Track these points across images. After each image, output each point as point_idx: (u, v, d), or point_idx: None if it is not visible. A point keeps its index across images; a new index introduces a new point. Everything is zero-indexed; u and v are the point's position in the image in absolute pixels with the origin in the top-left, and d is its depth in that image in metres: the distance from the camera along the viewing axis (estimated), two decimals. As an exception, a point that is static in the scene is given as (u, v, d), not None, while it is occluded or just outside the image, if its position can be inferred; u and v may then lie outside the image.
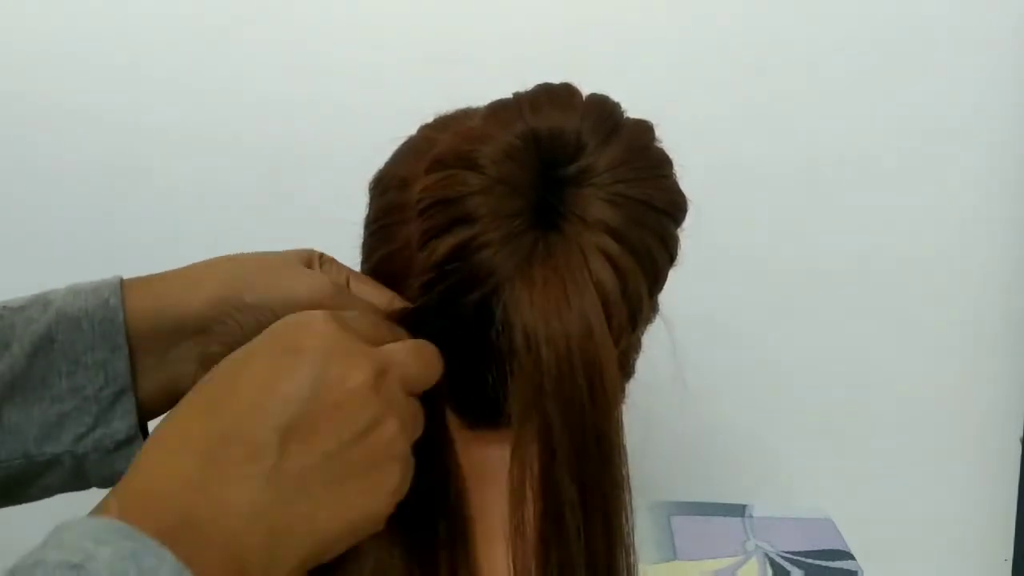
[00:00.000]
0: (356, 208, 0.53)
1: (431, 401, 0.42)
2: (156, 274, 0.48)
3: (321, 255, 0.50)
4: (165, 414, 0.37)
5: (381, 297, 0.47)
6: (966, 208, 0.96)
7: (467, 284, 0.42)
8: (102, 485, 0.45)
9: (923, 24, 0.92)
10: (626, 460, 0.45)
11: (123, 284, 0.46)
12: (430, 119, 0.52)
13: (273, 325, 0.38)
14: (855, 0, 0.92)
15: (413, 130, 0.52)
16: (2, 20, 0.94)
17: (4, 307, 0.45)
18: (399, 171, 0.50)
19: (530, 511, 0.42)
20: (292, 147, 0.94)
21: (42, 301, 0.45)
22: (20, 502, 0.45)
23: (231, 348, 0.44)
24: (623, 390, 0.50)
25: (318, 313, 0.38)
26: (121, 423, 0.44)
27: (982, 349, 0.99)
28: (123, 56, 0.94)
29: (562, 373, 0.40)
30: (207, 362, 0.44)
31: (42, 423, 0.43)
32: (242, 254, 0.49)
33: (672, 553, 0.79)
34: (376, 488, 0.37)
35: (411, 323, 0.44)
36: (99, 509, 0.33)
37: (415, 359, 0.40)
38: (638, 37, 0.92)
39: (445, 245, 0.42)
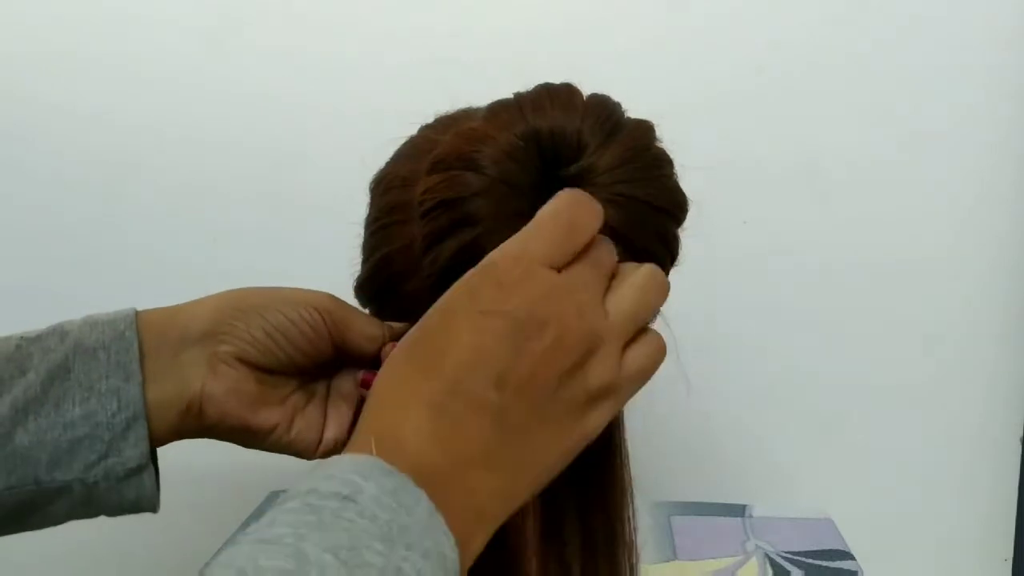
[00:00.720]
0: (356, 208, 0.53)
1: None
2: (172, 305, 0.48)
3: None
4: (380, 369, 0.39)
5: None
6: (966, 208, 0.96)
7: None
8: (111, 514, 0.46)
9: (923, 24, 0.92)
10: (627, 462, 0.45)
11: (137, 316, 0.46)
12: (431, 119, 0.52)
13: (459, 282, 0.39)
14: (855, 0, 0.92)
15: (414, 130, 0.52)
16: (2, 20, 0.94)
17: (22, 338, 0.45)
18: (400, 171, 0.50)
19: (530, 516, 0.42)
20: (292, 147, 0.94)
21: (59, 332, 0.45)
22: (28, 529, 0.45)
23: (238, 347, 0.45)
24: None
25: (500, 266, 0.38)
26: (133, 451, 0.44)
27: (982, 349, 0.99)
28: (123, 56, 0.94)
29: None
30: (213, 361, 0.45)
31: (54, 449, 0.43)
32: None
33: (672, 553, 0.79)
34: (598, 419, 0.38)
35: None
36: (352, 447, 0.35)
37: (601, 268, 0.40)
38: (639, 37, 0.92)
39: (448, 248, 0.42)
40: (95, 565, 1.01)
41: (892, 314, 0.98)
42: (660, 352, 0.41)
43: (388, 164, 0.52)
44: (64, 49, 0.94)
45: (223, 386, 0.46)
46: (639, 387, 0.40)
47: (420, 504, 0.32)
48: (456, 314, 0.38)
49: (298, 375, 0.48)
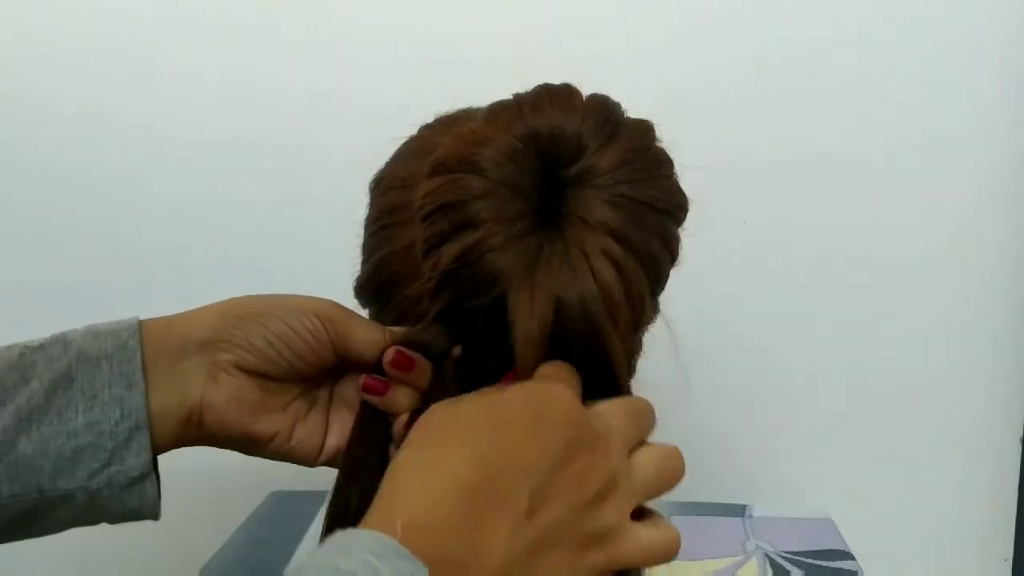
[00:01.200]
0: (356, 208, 0.53)
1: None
2: (173, 314, 0.48)
3: None
4: (404, 442, 0.38)
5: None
6: (966, 207, 0.96)
7: (472, 289, 0.42)
8: (113, 521, 0.46)
9: (923, 24, 0.92)
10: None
11: (140, 325, 0.46)
12: (431, 119, 0.52)
13: (524, 387, 0.40)
14: (855, 0, 0.92)
15: (413, 130, 0.52)
16: (2, 21, 0.94)
17: (25, 347, 0.45)
18: (400, 172, 0.50)
19: None
20: (292, 147, 0.94)
21: (62, 341, 0.45)
22: (31, 536, 0.45)
23: (238, 355, 0.45)
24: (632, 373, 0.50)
25: (564, 388, 0.40)
26: (135, 460, 0.44)
27: (982, 349, 0.99)
28: (123, 57, 0.94)
29: (571, 350, 0.41)
30: (213, 370, 0.45)
31: (57, 458, 0.43)
32: None
33: (672, 553, 0.79)
34: (594, 560, 0.38)
35: (426, 337, 0.44)
36: (369, 522, 0.34)
37: (638, 430, 0.42)
38: (639, 37, 0.93)
39: (449, 252, 0.42)
40: (95, 565, 1.01)
41: (892, 314, 0.98)
42: (672, 546, 0.41)
43: (388, 164, 0.52)
44: (64, 49, 0.94)
45: (223, 394, 0.45)
46: (641, 563, 0.41)
47: None
48: (511, 414, 0.38)
49: (300, 382, 0.48)
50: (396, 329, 0.47)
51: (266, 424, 0.47)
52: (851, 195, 0.95)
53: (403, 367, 0.44)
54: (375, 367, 0.46)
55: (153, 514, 0.46)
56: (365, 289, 0.51)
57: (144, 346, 0.45)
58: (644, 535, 0.40)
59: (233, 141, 0.94)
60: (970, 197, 0.96)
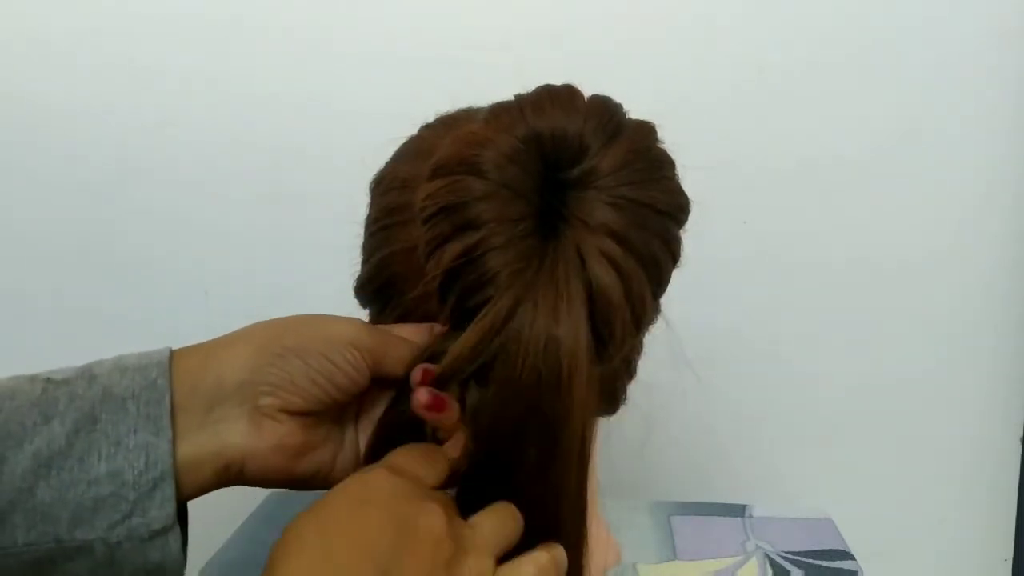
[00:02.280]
0: (356, 208, 0.53)
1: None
2: (201, 344, 0.45)
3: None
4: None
5: (419, 334, 0.46)
6: (966, 208, 0.96)
7: (473, 290, 0.42)
8: (133, 575, 0.43)
9: (923, 24, 0.92)
10: (589, 474, 0.44)
11: (171, 359, 0.43)
12: (431, 119, 0.52)
13: (343, 483, 0.39)
14: (855, 0, 0.92)
15: (414, 130, 0.52)
16: (2, 21, 0.94)
17: (48, 380, 0.42)
18: (400, 172, 0.50)
19: None
20: (292, 147, 0.94)
21: (87, 376, 0.43)
22: None
23: (283, 398, 0.43)
24: (624, 393, 0.50)
25: (378, 468, 0.40)
26: (159, 512, 0.41)
27: (982, 349, 0.99)
28: (123, 57, 0.94)
29: (530, 380, 0.40)
30: (256, 417, 0.43)
31: (75, 507, 0.40)
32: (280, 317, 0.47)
33: (672, 553, 0.79)
34: None
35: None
36: None
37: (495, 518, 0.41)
38: (640, 38, 0.92)
39: (450, 254, 0.42)
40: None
41: (892, 314, 0.98)
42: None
43: (388, 164, 0.52)
44: (64, 49, 0.94)
45: (268, 443, 0.44)
46: None
47: None
48: (339, 506, 0.38)
49: (333, 409, 0.46)
50: (418, 336, 0.46)
51: (310, 463, 0.45)
52: (851, 196, 0.95)
53: (437, 409, 0.42)
54: (400, 383, 0.45)
55: (177, 569, 0.43)
56: (366, 290, 0.51)
57: (175, 386, 0.42)
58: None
59: (233, 141, 0.94)
60: (970, 197, 0.96)
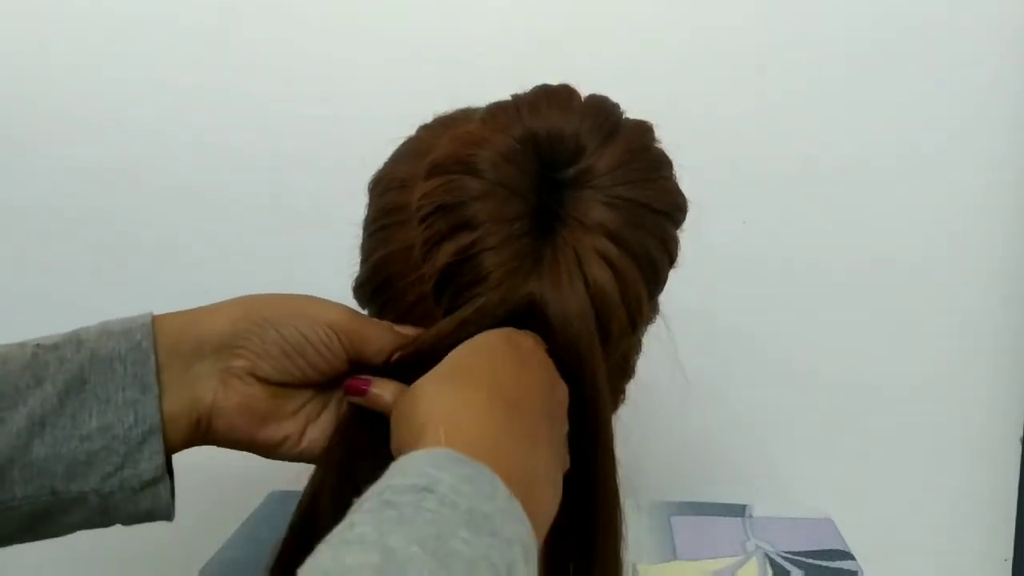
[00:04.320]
0: (355, 208, 0.53)
1: None
2: (184, 310, 0.47)
3: None
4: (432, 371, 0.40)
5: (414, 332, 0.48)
6: (966, 208, 0.96)
7: (467, 289, 0.42)
8: (126, 523, 0.46)
9: (923, 24, 0.92)
10: (614, 464, 0.45)
11: (154, 323, 0.45)
12: (429, 119, 0.52)
13: (502, 331, 0.42)
14: (855, 0, 0.92)
15: (412, 131, 0.52)
16: (3, 24, 0.94)
17: (38, 346, 0.45)
18: (398, 172, 0.50)
19: None
20: (292, 147, 0.94)
21: (74, 341, 0.45)
22: (43, 538, 0.45)
23: (251, 364, 0.45)
24: (623, 392, 0.51)
25: (526, 333, 0.43)
26: (149, 463, 0.44)
27: (982, 349, 0.99)
28: (122, 58, 0.94)
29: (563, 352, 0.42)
30: (226, 376, 0.45)
31: (70, 461, 0.43)
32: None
33: (672, 553, 0.79)
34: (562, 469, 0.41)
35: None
36: (425, 442, 0.35)
37: None
38: (637, 38, 0.92)
39: (445, 253, 0.42)
40: (95, 565, 1.01)
41: (892, 314, 0.98)
42: None
43: (386, 165, 0.52)
44: (65, 52, 0.94)
45: (234, 401, 0.45)
46: None
47: (498, 491, 0.32)
48: (511, 349, 0.41)
49: (312, 387, 0.48)
50: (407, 331, 0.47)
51: (275, 431, 0.47)
52: (851, 196, 0.95)
53: (357, 391, 0.46)
54: (386, 370, 0.46)
55: (167, 515, 0.46)
56: (364, 290, 0.51)
57: (158, 347, 0.44)
58: None
59: (232, 142, 0.94)
60: (970, 197, 0.96)
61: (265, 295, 0.47)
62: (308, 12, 0.93)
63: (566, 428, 0.42)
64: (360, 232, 0.52)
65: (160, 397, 0.44)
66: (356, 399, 0.45)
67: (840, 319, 0.98)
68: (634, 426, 0.51)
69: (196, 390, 0.45)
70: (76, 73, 0.94)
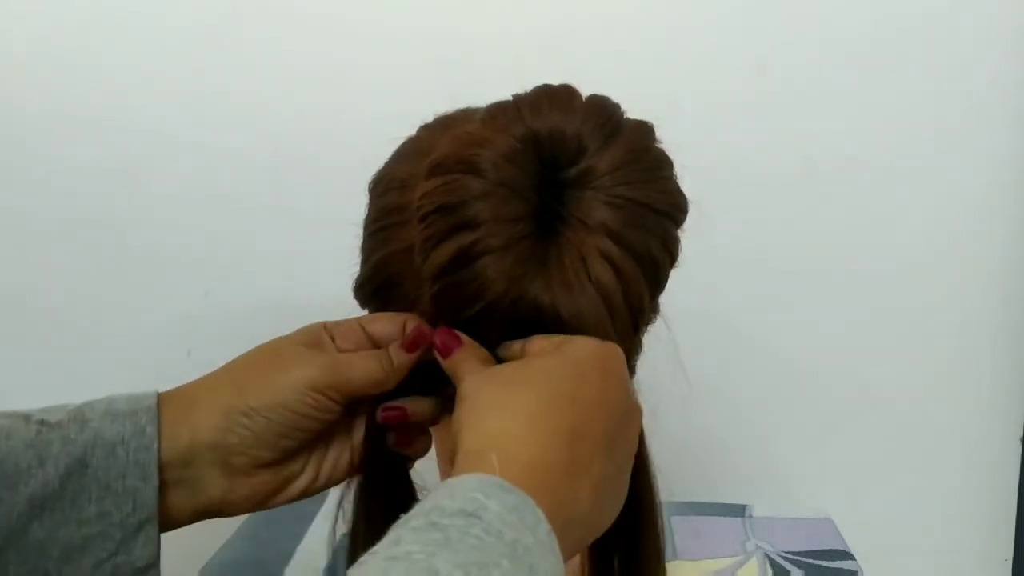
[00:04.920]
0: (355, 208, 0.53)
1: None
2: (187, 390, 0.47)
3: (327, 326, 0.49)
4: (489, 384, 0.40)
5: (396, 323, 0.47)
6: (966, 208, 0.96)
7: (471, 292, 0.42)
8: None
9: (923, 24, 0.92)
10: (650, 456, 0.46)
11: (159, 404, 0.45)
12: (430, 119, 0.52)
13: (586, 342, 0.41)
14: (856, 0, 0.92)
15: (413, 131, 0.52)
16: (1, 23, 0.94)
17: (42, 422, 0.44)
18: (399, 172, 0.50)
19: None
20: (292, 147, 0.94)
21: (79, 419, 0.44)
22: None
23: (251, 456, 0.45)
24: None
25: (616, 346, 0.42)
26: (142, 551, 0.44)
27: (982, 349, 0.99)
28: (121, 58, 0.94)
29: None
30: (231, 472, 0.45)
31: (66, 544, 0.43)
32: (244, 355, 0.48)
33: (672, 553, 0.79)
34: (620, 504, 0.41)
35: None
36: (471, 464, 0.35)
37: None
38: (638, 38, 0.92)
39: (445, 253, 0.42)
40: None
41: (892, 314, 0.98)
42: None
43: (387, 165, 0.52)
44: (65, 50, 0.94)
45: (242, 493, 0.46)
46: None
47: (540, 524, 0.33)
48: (585, 367, 0.40)
49: (314, 438, 0.48)
50: (394, 354, 0.46)
51: (289, 492, 0.47)
52: (851, 196, 0.95)
53: (397, 420, 0.46)
54: (384, 396, 0.46)
55: None
56: (364, 290, 0.51)
57: (163, 440, 0.44)
58: None
59: (233, 142, 0.94)
60: (971, 196, 0.96)
61: (241, 369, 0.47)
62: (308, 12, 0.93)
63: (632, 457, 0.42)
64: (360, 232, 0.52)
65: (161, 489, 0.44)
66: (396, 422, 0.46)
67: (840, 319, 0.98)
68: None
69: (199, 490, 0.45)
70: (76, 73, 0.94)
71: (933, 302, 0.97)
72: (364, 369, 0.46)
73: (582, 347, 0.41)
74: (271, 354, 0.47)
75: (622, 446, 0.40)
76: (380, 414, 0.46)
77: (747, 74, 0.93)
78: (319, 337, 0.48)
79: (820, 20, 0.92)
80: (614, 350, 0.41)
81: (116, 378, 0.97)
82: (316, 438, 0.47)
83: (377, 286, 0.50)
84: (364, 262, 0.51)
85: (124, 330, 0.96)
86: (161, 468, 0.44)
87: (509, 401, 0.38)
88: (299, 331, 0.48)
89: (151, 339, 0.96)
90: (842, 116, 0.94)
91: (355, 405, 0.47)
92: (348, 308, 0.52)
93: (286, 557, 0.77)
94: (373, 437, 0.47)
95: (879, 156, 0.95)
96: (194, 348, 0.93)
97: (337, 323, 0.49)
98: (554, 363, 0.40)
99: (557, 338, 0.41)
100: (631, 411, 0.41)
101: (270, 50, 0.93)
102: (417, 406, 0.46)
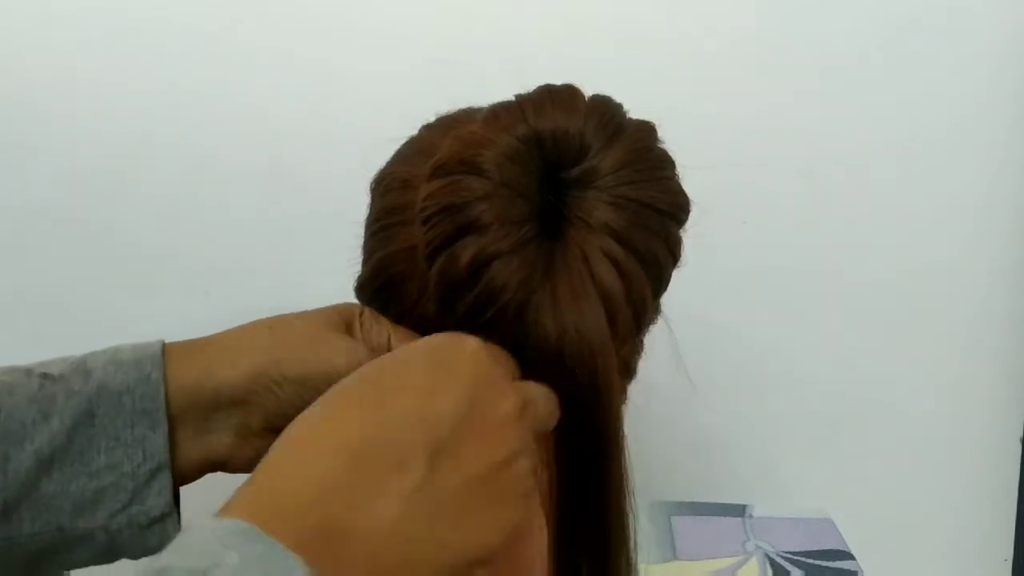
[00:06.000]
0: (357, 208, 0.53)
1: None
2: (197, 341, 0.46)
3: (362, 311, 0.48)
4: (302, 412, 0.36)
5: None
6: (966, 210, 0.96)
7: (479, 297, 0.41)
8: (133, 557, 0.45)
9: (924, 25, 0.92)
10: (627, 460, 0.45)
11: (164, 353, 0.44)
12: (431, 119, 0.52)
13: (429, 339, 0.39)
14: (856, 1, 0.92)
15: (414, 130, 0.52)
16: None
17: (44, 375, 0.44)
18: (400, 172, 0.50)
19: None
20: (293, 147, 0.94)
21: (82, 370, 0.44)
22: (48, 574, 0.45)
23: (269, 421, 0.44)
24: (625, 392, 0.51)
25: (473, 339, 0.38)
26: (156, 500, 0.43)
27: (982, 350, 0.99)
28: (120, 51, 0.94)
29: (570, 378, 0.41)
30: (243, 432, 0.44)
31: (77, 498, 0.42)
32: (281, 319, 0.47)
33: (672, 553, 0.79)
34: (501, 522, 0.36)
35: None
36: (227, 508, 0.31)
37: (546, 401, 0.41)
38: (640, 38, 0.92)
39: (452, 257, 0.41)
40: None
41: (892, 314, 0.98)
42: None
43: (389, 164, 0.52)
44: (60, 44, 0.94)
45: (250, 455, 0.45)
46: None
47: (295, 573, 0.28)
48: (407, 367, 0.37)
49: None
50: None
51: None
52: (851, 195, 0.95)
53: None
54: None
55: None
56: (365, 289, 0.51)
57: (172, 387, 0.43)
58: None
59: (233, 141, 0.94)
60: (971, 197, 0.96)
61: (281, 335, 0.46)
62: (308, 12, 0.93)
63: (512, 463, 0.36)
64: (361, 232, 0.52)
65: (172, 440, 0.43)
66: None
67: (840, 319, 0.98)
68: (634, 426, 0.50)
69: (211, 441, 0.44)
70: (76, 74, 0.94)
71: (933, 303, 0.97)
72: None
73: (422, 343, 0.38)
74: (312, 332, 0.46)
75: (469, 453, 0.34)
76: None
77: (748, 74, 0.93)
78: (352, 324, 0.47)
79: (821, 20, 0.92)
80: (461, 345, 0.38)
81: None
82: None
83: (379, 286, 0.50)
84: (365, 261, 0.51)
85: (124, 330, 0.95)
86: (171, 416, 0.43)
87: (306, 425, 0.35)
88: (335, 309, 0.48)
89: (151, 339, 0.95)
90: (842, 115, 0.94)
91: None
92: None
93: (286, 557, 0.77)
94: None
95: (879, 156, 0.95)
96: (194, 348, 0.93)
97: (372, 318, 0.48)
98: (377, 371, 0.37)
99: (421, 339, 0.39)
100: (485, 412, 0.36)
101: (271, 50, 0.93)
102: None
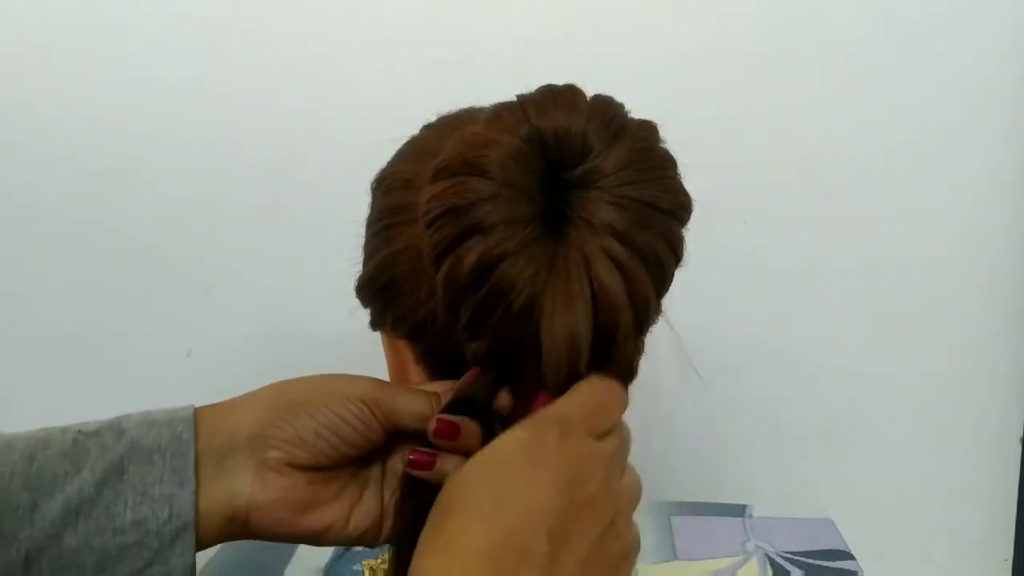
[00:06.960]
0: (358, 208, 0.52)
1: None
2: (223, 402, 0.46)
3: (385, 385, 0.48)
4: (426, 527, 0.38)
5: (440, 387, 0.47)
6: (966, 208, 0.96)
7: (486, 299, 0.41)
8: None
9: (924, 24, 0.92)
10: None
11: (195, 415, 0.45)
12: (432, 119, 0.52)
13: (512, 436, 0.40)
14: (856, 0, 0.92)
15: (415, 130, 0.52)
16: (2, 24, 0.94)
17: (79, 432, 0.44)
18: (402, 171, 0.50)
19: None
20: (294, 147, 0.94)
21: (116, 429, 0.44)
22: None
23: (287, 452, 0.44)
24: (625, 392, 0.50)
25: (551, 423, 0.40)
26: (178, 560, 0.43)
27: (982, 349, 0.99)
28: (124, 57, 0.94)
29: (568, 374, 0.41)
30: (263, 469, 0.44)
31: (101, 554, 0.42)
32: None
33: (672, 553, 0.79)
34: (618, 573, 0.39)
35: (471, 392, 0.44)
36: None
37: (625, 447, 0.43)
38: (641, 38, 0.92)
39: (458, 259, 0.41)
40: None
41: (892, 314, 0.98)
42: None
43: (390, 164, 0.52)
44: (65, 48, 0.94)
45: (272, 495, 0.44)
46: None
47: None
48: (509, 468, 0.39)
49: (350, 465, 0.47)
50: (441, 391, 0.46)
51: (318, 519, 0.46)
52: (851, 195, 0.95)
53: (449, 436, 0.43)
54: (424, 438, 0.45)
55: None
56: (367, 289, 0.51)
57: (198, 439, 0.44)
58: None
59: (234, 142, 0.94)
60: (970, 196, 0.96)
61: (292, 380, 0.46)
62: (309, 12, 0.93)
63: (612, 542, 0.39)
64: (362, 232, 0.52)
65: (196, 492, 0.43)
66: (421, 473, 0.44)
67: (840, 319, 0.98)
68: (635, 427, 0.50)
69: (231, 485, 0.44)
70: (76, 74, 0.94)
71: (933, 302, 0.98)
72: (411, 399, 0.46)
73: (509, 446, 0.40)
74: (323, 374, 0.47)
75: (578, 532, 0.38)
76: (410, 455, 0.44)
77: (749, 74, 0.93)
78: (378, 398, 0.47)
79: (820, 20, 0.92)
80: (544, 437, 0.40)
81: (117, 378, 0.98)
82: (351, 474, 0.47)
83: (380, 286, 0.50)
84: (367, 261, 0.51)
85: (124, 331, 0.96)
86: (197, 471, 0.43)
87: (437, 533, 0.37)
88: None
89: (151, 339, 0.96)
90: (842, 115, 0.94)
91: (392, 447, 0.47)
92: (349, 308, 0.51)
93: (286, 557, 0.77)
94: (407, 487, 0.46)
95: (879, 155, 0.95)
96: (194, 348, 0.93)
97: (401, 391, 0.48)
98: (479, 474, 0.39)
99: (505, 436, 0.40)
100: (582, 491, 0.39)
101: (272, 51, 0.93)
102: (447, 463, 0.44)
